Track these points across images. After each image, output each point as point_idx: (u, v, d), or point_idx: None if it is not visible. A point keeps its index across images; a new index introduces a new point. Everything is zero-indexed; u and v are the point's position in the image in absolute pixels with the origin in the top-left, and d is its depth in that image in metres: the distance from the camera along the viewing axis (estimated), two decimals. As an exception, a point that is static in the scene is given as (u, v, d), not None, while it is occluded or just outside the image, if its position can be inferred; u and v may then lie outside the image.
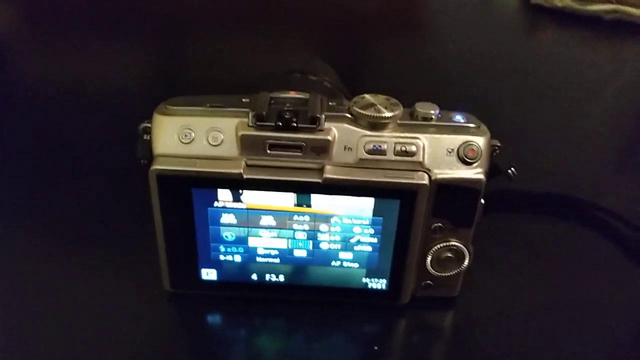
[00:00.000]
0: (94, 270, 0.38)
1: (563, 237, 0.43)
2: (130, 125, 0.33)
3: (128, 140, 0.33)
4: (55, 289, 0.37)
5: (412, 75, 0.69)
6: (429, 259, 0.34)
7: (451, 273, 0.34)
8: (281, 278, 0.35)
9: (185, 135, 0.31)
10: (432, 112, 0.32)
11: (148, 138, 0.32)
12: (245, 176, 0.30)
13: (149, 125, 0.32)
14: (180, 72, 0.70)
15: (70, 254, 0.39)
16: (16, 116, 0.57)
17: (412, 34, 0.83)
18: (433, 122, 0.32)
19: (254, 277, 0.35)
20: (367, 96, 0.33)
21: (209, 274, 0.35)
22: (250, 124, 0.31)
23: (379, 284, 0.35)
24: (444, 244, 0.33)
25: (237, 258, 0.34)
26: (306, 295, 0.35)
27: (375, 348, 0.34)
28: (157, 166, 0.31)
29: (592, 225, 0.44)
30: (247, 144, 0.31)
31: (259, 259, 0.34)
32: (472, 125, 0.32)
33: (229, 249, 0.34)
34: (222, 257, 0.34)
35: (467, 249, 0.34)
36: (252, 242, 0.34)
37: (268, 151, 0.31)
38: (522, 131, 0.56)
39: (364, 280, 0.35)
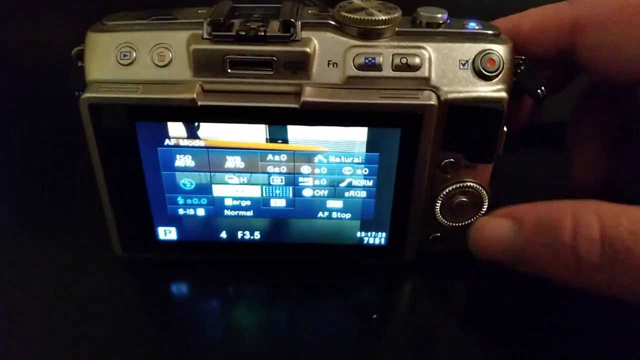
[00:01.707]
0: (32, 238, 0.32)
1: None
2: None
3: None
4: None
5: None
6: (438, 205, 0.28)
7: (466, 222, 0.29)
8: (256, 235, 0.29)
9: (125, 55, 0.25)
10: (440, 16, 0.25)
11: (82, 64, 0.25)
12: (200, 103, 0.24)
13: (82, 48, 0.26)
14: None
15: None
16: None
17: None
18: (441, 30, 0.26)
19: (223, 235, 0.29)
20: (355, 0, 0.26)
21: (167, 233, 0.29)
22: (205, 35, 0.24)
23: (377, 238, 0.29)
24: (457, 185, 0.27)
25: (200, 212, 0.28)
26: (288, 255, 0.30)
27: (375, 317, 0.28)
28: (88, 94, 0.24)
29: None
30: (201, 62, 0.25)
31: (227, 212, 0.28)
32: (490, 31, 0.26)
33: (189, 201, 0.28)
34: (181, 212, 0.28)
35: (485, 191, 0.28)
36: (217, 190, 0.27)
37: (229, 70, 0.25)
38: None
39: (359, 234, 0.29)
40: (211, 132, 0.25)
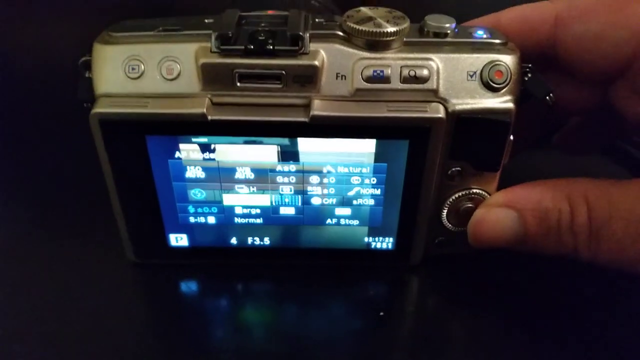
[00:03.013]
0: (48, 242, 0.33)
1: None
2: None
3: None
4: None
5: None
6: (445, 211, 0.28)
7: (472, 227, 0.28)
8: (266, 241, 0.29)
9: (133, 69, 0.25)
10: (448, 25, 0.25)
11: (90, 75, 0.25)
12: (210, 117, 0.24)
13: (89, 58, 0.26)
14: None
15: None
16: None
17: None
18: (449, 39, 0.25)
19: (234, 241, 0.29)
20: (363, 9, 0.26)
21: (179, 240, 0.29)
22: (214, 49, 0.24)
23: (385, 243, 0.29)
24: (464, 192, 0.28)
25: (211, 220, 0.28)
26: (297, 259, 0.30)
27: (382, 314, 0.29)
28: (98, 109, 0.24)
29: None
30: (210, 76, 0.24)
31: (237, 220, 0.28)
32: (497, 41, 0.26)
33: (199, 210, 0.28)
34: (192, 220, 0.28)
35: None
36: (227, 199, 0.28)
37: (238, 84, 0.24)
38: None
39: (367, 239, 0.29)
40: (223, 152, 0.26)
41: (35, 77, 0.46)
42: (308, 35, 0.24)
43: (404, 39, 0.25)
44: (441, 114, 0.24)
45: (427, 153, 0.25)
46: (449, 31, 0.25)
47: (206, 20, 0.26)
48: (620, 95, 0.26)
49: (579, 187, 0.25)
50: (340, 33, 0.25)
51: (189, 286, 0.30)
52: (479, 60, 0.25)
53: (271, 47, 0.24)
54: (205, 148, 0.26)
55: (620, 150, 0.39)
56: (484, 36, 0.26)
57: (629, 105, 0.26)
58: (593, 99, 0.28)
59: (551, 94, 0.26)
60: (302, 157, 0.26)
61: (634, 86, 0.25)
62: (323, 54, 0.24)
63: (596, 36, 0.25)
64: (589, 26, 0.25)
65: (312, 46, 0.24)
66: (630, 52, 0.24)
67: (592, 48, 0.25)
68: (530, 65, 0.26)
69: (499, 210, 0.26)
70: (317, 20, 0.26)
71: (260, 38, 0.24)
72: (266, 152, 0.26)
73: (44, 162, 0.40)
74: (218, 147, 0.26)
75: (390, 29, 0.24)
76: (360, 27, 0.24)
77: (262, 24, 0.26)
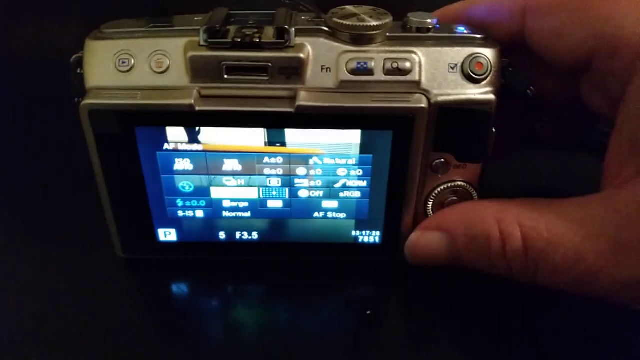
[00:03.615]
0: (33, 239, 0.33)
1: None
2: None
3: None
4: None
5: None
6: (430, 204, 0.28)
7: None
8: (254, 235, 0.29)
9: (123, 62, 0.25)
10: (429, 21, 0.26)
11: (81, 71, 0.26)
12: (198, 108, 0.25)
13: (81, 55, 0.26)
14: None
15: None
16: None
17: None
18: (430, 34, 0.26)
19: (222, 235, 0.29)
20: (348, 7, 0.27)
21: (167, 235, 0.29)
22: (202, 42, 0.25)
23: (372, 237, 0.29)
24: (448, 184, 0.28)
25: (200, 213, 0.28)
26: (285, 254, 0.31)
27: (369, 313, 0.29)
28: (88, 100, 0.25)
29: None
30: (198, 69, 0.25)
31: (225, 214, 0.29)
32: (477, 35, 0.26)
33: (188, 203, 0.28)
34: (180, 214, 0.28)
35: (475, 190, 0.28)
36: (215, 192, 0.28)
37: (225, 76, 0.25)
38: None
39: (354, 233, 0.29)
40: (210, 136, 0.26)
41: (34, 76, 0.47)
42: (294, 30, 0.25)
43: (387, 34, 0.26)
44: (424, 104, 0.25)
45: (411, 143, 0.26)
46: (430, 27, 0.26)
47: (195, 18, 0.27)
48: (585, 88, 0.27)
49: (511, 212, 0.25)
50: (325, 28, 0.26)
51: (177, 284, 0.31)
52: (460, 53, 0.25)
53: (258, 40, 0.25)
54: (192, 137, 0.26)
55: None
56: (465, 32, 0.27)
57: (592, 99, 0.27)
58: (567, 89, 0.28)
59: (532, 87, 0.27)
60: (289, 146, 0.26)
61: (595, 83, 0.26)
62: (308, 47, 0.25)
63: (557, 32, 0.25)
64: (552, 21, 0.26)
65: (298, 40, 0.25)
66: (589, 50, 0.25)
67: (554, 43, 0.26)
68: (509, 59, 0.27)
69: (431, 234, 0.27)
70: (303, 17, 0.27)
71: (247, 32, 0.25)
72: (253, 136, 0.26)
73: (33, 160, 0.40)
74: (206, 134, 0.26)
75: (374, 23, 0.25)
76: (345, 22, 0.25)
77: (250, 22, 0.26)
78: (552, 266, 0.23)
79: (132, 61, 0.25)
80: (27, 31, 0.47)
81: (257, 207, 0.28)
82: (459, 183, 0.28)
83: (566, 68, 0.26)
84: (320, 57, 0.25)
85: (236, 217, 0.29)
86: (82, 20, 0.42)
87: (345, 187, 0.28)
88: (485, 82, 0.26)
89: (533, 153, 0.38)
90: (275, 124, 0.26)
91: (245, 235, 0.29)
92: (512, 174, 0.37)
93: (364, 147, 0.26)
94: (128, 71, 0.25)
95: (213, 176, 0.27)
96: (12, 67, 0.47)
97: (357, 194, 0.28)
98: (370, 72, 0.25)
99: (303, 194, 0.28)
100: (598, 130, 0.38)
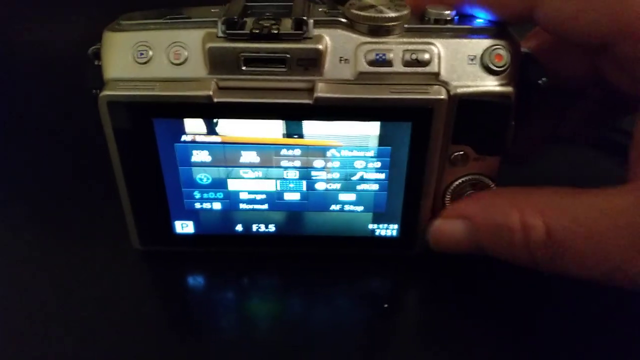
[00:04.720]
0: (53, 232, 0.33)
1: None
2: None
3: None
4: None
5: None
6: (448, 197, 0.28)
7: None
8: (271, 228, 0.29)
9: (142, 54, 0.25)
10: (448, 12, 0.26)
11: (99, 63, 0.26)
12: (216, 100, 0.25)
13: (98, 47, 0.26)
14: None
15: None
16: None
17: None
18: (449, 26, 0.26)
19: (239, 228, 0.29)
20: (365, -1, 0.26)
21: (184, 227, 0.29)
22: (220, 34, 0.25)
23: (389, 230, 0.29)
24: (467, 177, 0.28)
25: (217, 206, 0.29)
26: (302, 247, 0.31)
27: (386, 306, 0.29)
28: (107, 92, 0.25)
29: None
30: (217, 60, 0.25)
31: (242, 206, 0.29)
32: (497, 27, 0.26)
33: (205, 195, 0.28)
34: (198, 206, 0.29)
35: (494, 182, 0.28)
36: (232, 185, 0.28)
37: (243, 68, 0.25)
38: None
39: (371, 226, 0.29)
40: (227, 128, 0.26)
41: (35, 72, 0.47)
42: (312, 21, 0.25)
43: (406, 26, 0.26)
44: (443, 95, 0.25)
45: (430, 135, 0.26)
46: (449, 18, 0.26)
47: (212, 10, 0.27)
48: (607, 69, 0.26)
49: (534, 201, 0.24)
50: (343, 20, 0.26)
51: (193, 276, 0.31)
52: (480, 44, 0.25)
53: (276, 31, 0.25)
54: (210, 129, 0.26)
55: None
56: (484, 23, 0.26)
57: (617, 79, 0.26)
58: (584, 68, 0.28)
59: (544, 78, 0.26)
60: (307, 138, 0.26)
61: (617, 64, 0.25)
62: (326, 39, 0.25)
63: (574, 14, 0.24)
64: (567, 3, 0.24)
65: (316, 31, 0.25)
66: (606, 32, 0.24)
67: (569, 26, 0.25)
68: (527, 51, 0.27)
69: (454, 222, 0.27)
70: (319, 9, 0.27)
71: (265, 23, 0.25)
72: (271, 128, 0.26)
73: (50, 154, 0.40)
74: (224, 126, 0.26)
75: (392, 14, 0.25)
76: (363, 13, 0.25)
77: (267, 13, 0.26)
78: (579, 258, 0.23)
79: (150, 53, 0.25)
80: (30, 26, 0.47)
81: (274, 199, 0.28)
82: (478, 176, 0.28)
83: (583, 49, 0.25)
84: (339, 48, 0.25)
85: (253, 210, 0.29)
86: (91, 15, 0.42)
87: (362, 180, 0.28)
88: (504, 73, 0.25)
89: (553, 152, 0.38)
90: (293, 116, 0.25)
91: (262, 228, 0.29)
92: (532, 173, 0.36)
93: (383, 139, 0.26)
94: (146, 63, 0.25)
95: (230, 168, 0.27)
96: (16, 62, 0.47)
97: (375, 187, 0.28)
98: (389, 63, 0.25)
99: (320, 186, 0.28)
100: (619, 130, 0.37)
